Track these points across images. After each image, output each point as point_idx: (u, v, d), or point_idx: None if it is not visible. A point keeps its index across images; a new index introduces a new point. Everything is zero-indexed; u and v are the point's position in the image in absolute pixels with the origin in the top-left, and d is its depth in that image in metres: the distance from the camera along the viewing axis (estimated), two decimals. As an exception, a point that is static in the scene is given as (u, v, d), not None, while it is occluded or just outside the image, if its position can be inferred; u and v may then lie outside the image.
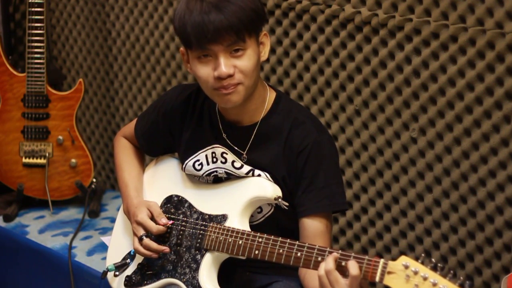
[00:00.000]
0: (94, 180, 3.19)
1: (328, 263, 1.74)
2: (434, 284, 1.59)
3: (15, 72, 3.13)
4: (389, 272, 1.67)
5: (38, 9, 3.02)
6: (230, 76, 1.92)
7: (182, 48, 2.02)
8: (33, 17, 3.03)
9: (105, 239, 2.94)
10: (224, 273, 2.06)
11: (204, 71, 1.95)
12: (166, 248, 2.07)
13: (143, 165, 2.35)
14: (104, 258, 2.77)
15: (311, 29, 2.69)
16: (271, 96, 2.08)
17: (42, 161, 3.14)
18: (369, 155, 2.65)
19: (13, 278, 3.06)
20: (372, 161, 2.65)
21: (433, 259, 1.63)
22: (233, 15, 1.89)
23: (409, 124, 2.52)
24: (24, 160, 3.15)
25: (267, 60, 2.82)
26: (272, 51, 2.82)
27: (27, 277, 3.01)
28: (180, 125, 2.18)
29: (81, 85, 3.11)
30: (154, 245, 2.07)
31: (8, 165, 3.18)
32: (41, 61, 3.06)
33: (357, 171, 2.69)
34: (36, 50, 3.05)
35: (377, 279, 1.68)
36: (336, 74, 2.67)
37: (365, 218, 2.71)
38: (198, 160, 2.13)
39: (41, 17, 3.03)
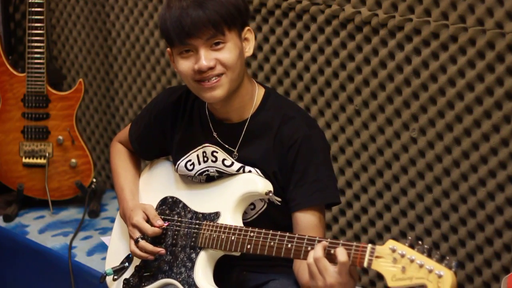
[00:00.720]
0: (94, 180, 3.19)
1: (317, 251, 1.74)
2: (421, 266, 1.60)
3: (15, 72, 3.13)
4: (377, 257, 1.67)
5: (38, 9, 3.02)
6: (211, 68, 1.94)
7: (168, 49, 2.04)
8: (33, 17, 3.03)
9: (105, 239, 2.94)
10: (221, 272, 2.07)
11: (185, 65, 1.97)
12: (161, 250, 2.07)
13: (138, 169, 2.36)
14: (104, 258, 2.77)
15: (311, 29, 2.69)
16: (259, 92, 2.09)
17: (42, 161, 3.14)
18: (369, 155, 2.65)
19: (13, 278, 3.06)
20: (372, 161, 2.65)
21: (419, 242, 1.63)
22: (211, 9, 1.92)
23: (409, 124, 2.52)
24: (24, 160, 3.16)
25: (267, 60, 2.83)
26: (272, 51, 2.82)
27: (27, 277, 3.01)
28: (172, 126, 2.19)
29: (81, 85, 3.11)
30: (149, 246, 2.08)
31: (8, 165, 3.18)
32: (41, 61, 3.06)
33: (357, 171, 2.69)
34: (36, 50, 3.05)
35: (365, 264, 1.68)
36: (336, 74, 2.67)
37: (365, 218, 2.71)
38: (189, 160, 2.14)
39: (41, 17, 3.03)
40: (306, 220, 2.01)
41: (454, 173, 2.45)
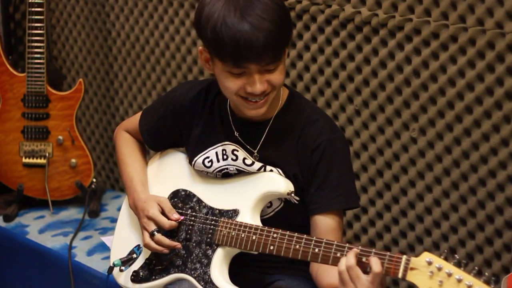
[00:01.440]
0: (94, 180, 3.19)
1: (350, 259, 1.74)
2: (459, 281, 1.58)
3: (15, 72, 3.13)
4: (411, 268, 1.66)
5: (38, 9, 3.02)
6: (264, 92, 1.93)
7: (201, 48, 1.98)
8: (33, 17, 3.03)
9: (105, 239, 2.94)
10: (229, 273, 2.05)
11: (234, 84, 1.92)
12: (178, 244, 2.06)
13: (146, 159, 2.34)
14: (104, 258, 2.78)
15: (311, 29, 2.69)
16: (284, 93, 2.08)
17: (42, 161, 3.14)
18: (369, 155, 2.65)
19: (13, 278, 3.06)
20: (372, 161, 2.65)
21: (456, 255, 1.63)
22: (271, 35, 1.84)
23: (409, 124, 2.52)
24: (24, 160, 3.15)
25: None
26: (272, 51, 2.82)
27: (27, 277, 3.01)
28: (190, 122, 2.16)
29: (81, 85, 3.11)
30: (166, 240, 2.06)
31: (8, 165, 3.18)
32: (41, 61, 3.06)
33: (357, 171, 2.69)
34: (36, 50, 3.05)
35: (400, 275, 1.68)
36: (336, 74, 2.67)
37: (365, 218, 2.71)
38: (208, 157, 2.12)
39: (41, 17, 3.03)
40: (326, 224, 2.00)
41: (454, 173, 2.45)
